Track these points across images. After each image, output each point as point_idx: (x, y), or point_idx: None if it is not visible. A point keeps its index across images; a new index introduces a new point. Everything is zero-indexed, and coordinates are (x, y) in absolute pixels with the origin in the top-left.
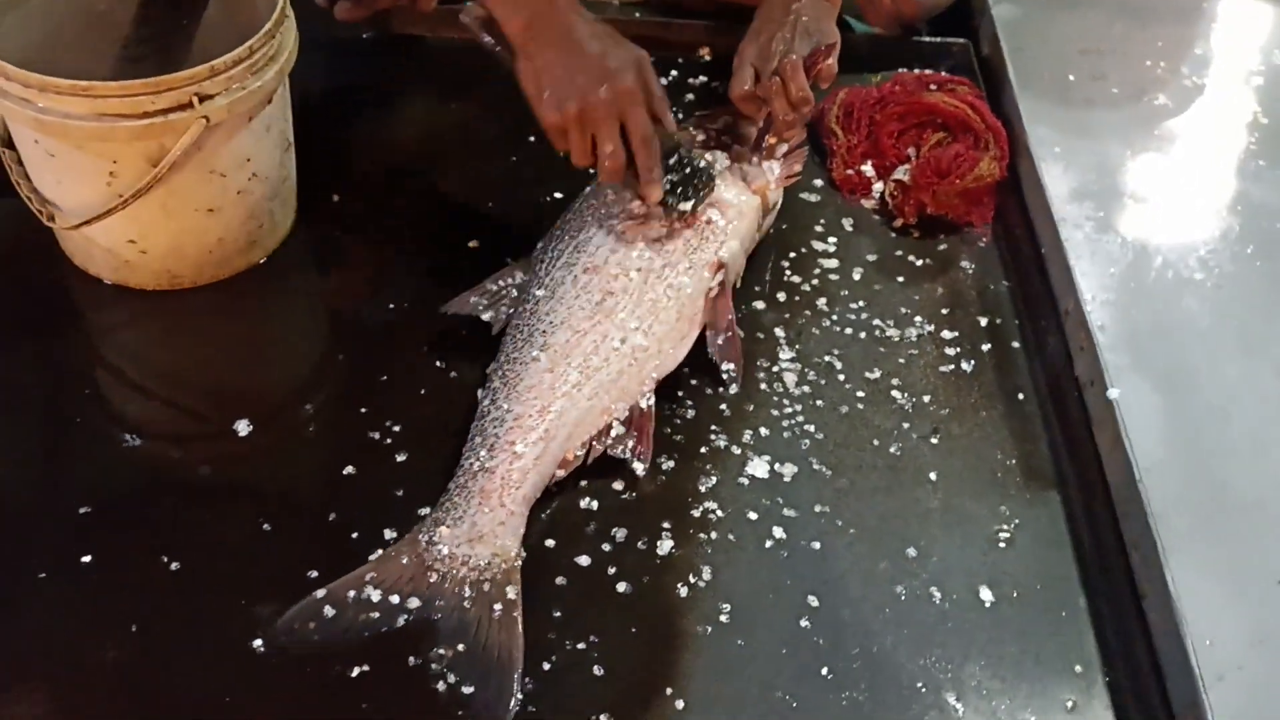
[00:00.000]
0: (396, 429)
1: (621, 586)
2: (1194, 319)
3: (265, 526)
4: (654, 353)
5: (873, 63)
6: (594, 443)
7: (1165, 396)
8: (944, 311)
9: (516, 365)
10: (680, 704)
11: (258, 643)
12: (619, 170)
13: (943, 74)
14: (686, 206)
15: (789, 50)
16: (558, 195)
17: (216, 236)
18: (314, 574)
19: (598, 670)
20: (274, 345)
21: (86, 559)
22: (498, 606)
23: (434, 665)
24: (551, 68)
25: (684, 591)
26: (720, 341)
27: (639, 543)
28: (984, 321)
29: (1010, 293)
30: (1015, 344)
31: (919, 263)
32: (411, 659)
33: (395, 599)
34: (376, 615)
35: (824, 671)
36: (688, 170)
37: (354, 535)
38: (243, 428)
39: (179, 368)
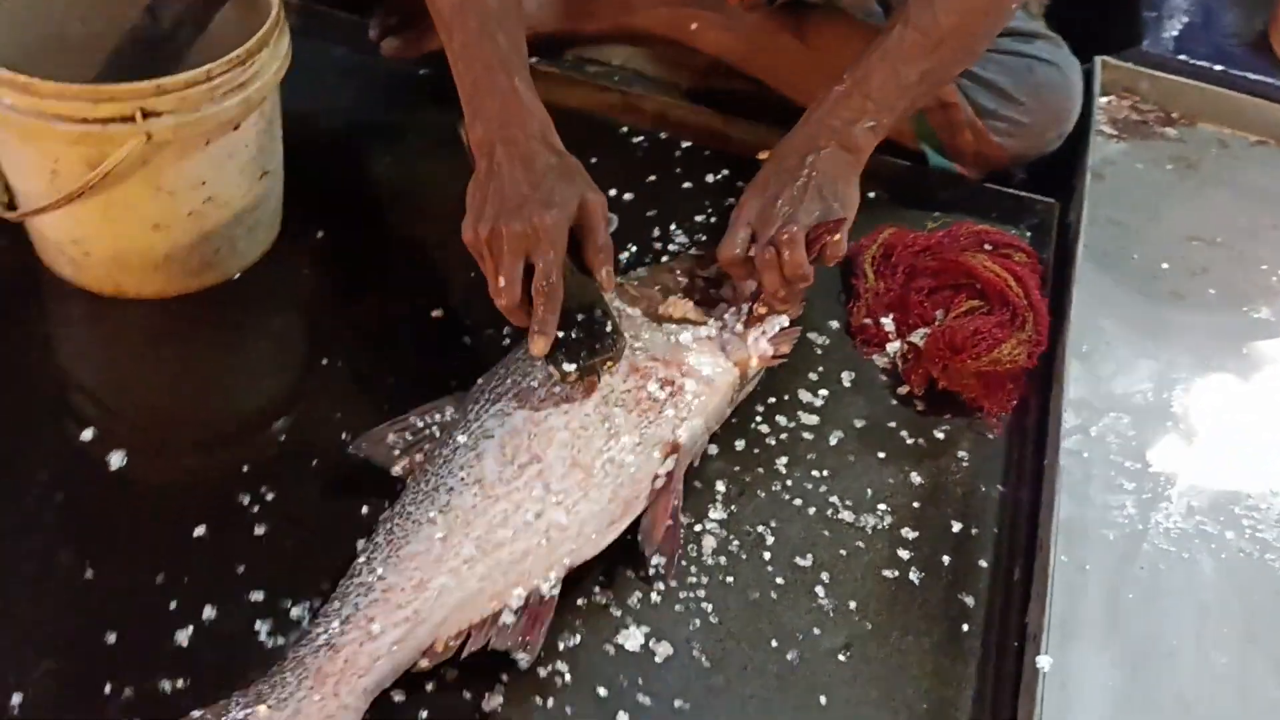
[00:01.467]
0: (269, 498)
1: None
2: (1180, 603)
3: (88, 574)
4: (573, 535)
5: (941, 203)
6: (474, 631)
7: (1117, 680)
8: (915, 505)
9: (407, 524)
10: None
11: None
12: (510, 309)
13: (1007, 234)
14: (570, 368)
15: (793, 217)
16: None
17: (163, 253)
18: (111, 638)
19: None
20: (197, 373)
21: None
22: None
23: None
24: (483, 183)
25: None
26: (658, 535)
27: (465, 691)
28: (957, 528)
29: (1000, 502)
30: (983, 563)
31: (910, 440)
32: None
33: None
34: None
35: None
36: (594, 331)
37: (171, 605)
38: (115, 460)
39: (90, 375)
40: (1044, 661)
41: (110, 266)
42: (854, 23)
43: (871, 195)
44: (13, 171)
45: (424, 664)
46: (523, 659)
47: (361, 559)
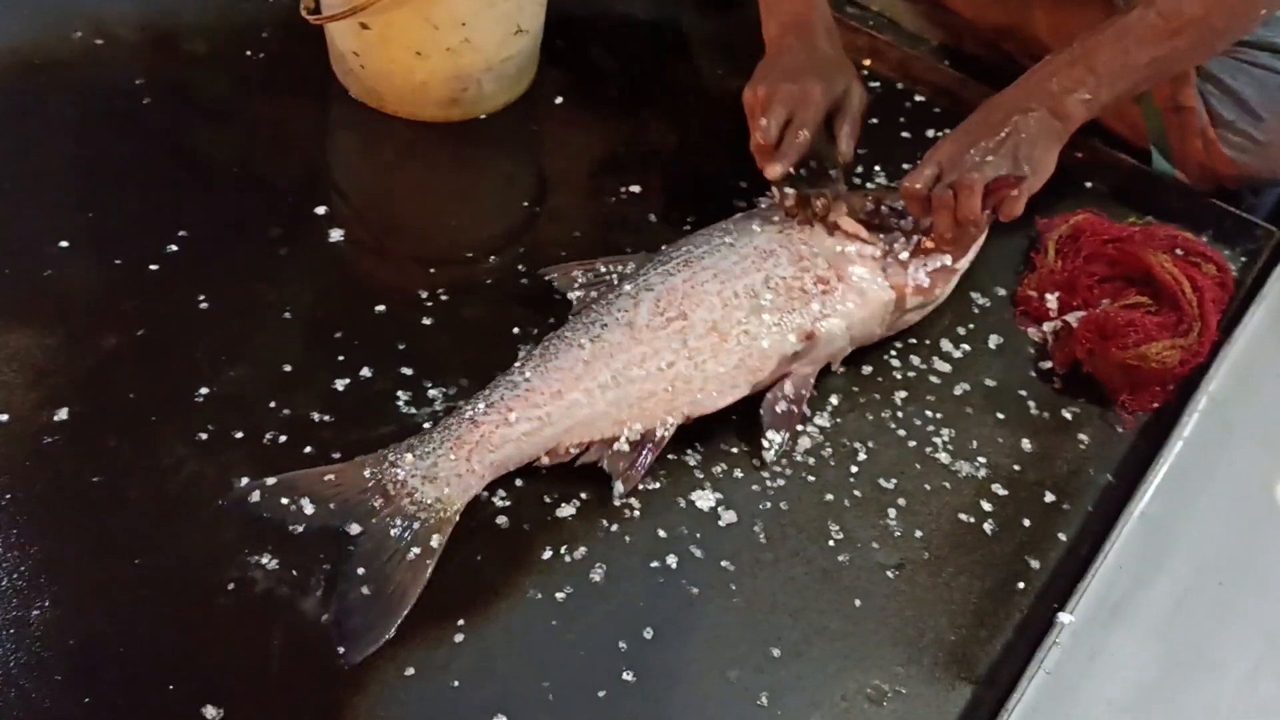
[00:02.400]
0: (443, 298)
1: (501, 520)
2: (1249, 626)
3: (285, 314)
4: (696, 388)
5: (1157, 207)
6: (593, 446)
7: (1150, 674)
8: (1015, 468)
9: (560, 343)
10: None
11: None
12: (762, 149)
13: (1206, 245)
14: (791, 190)
15: (980, 165)
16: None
17: (420, 79)
18: (287, 368)
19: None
20: (423, 188)
21: None
22: (416, 549)
23: (336, 580)
24: (773, 60)
25: (548, 554)
26: (779, 409)
27: (545, 497)
28: (1049, 499)
29: (1104, 489)
30: (1062, 536)
31: (1035, 411)
32: (324, 563)
33: (334, 506)
34: (312, 513)
35: None
36: (822, 174)
37: (340, 357)
38: (335, 235)
39: (338, 165)
40: (1065, 618)
41: (378, 81)
42: (1112, 8)
43: (1089, 185)
44: None
45: (545, 460)
46: (619, 489)
47: (517, 363)
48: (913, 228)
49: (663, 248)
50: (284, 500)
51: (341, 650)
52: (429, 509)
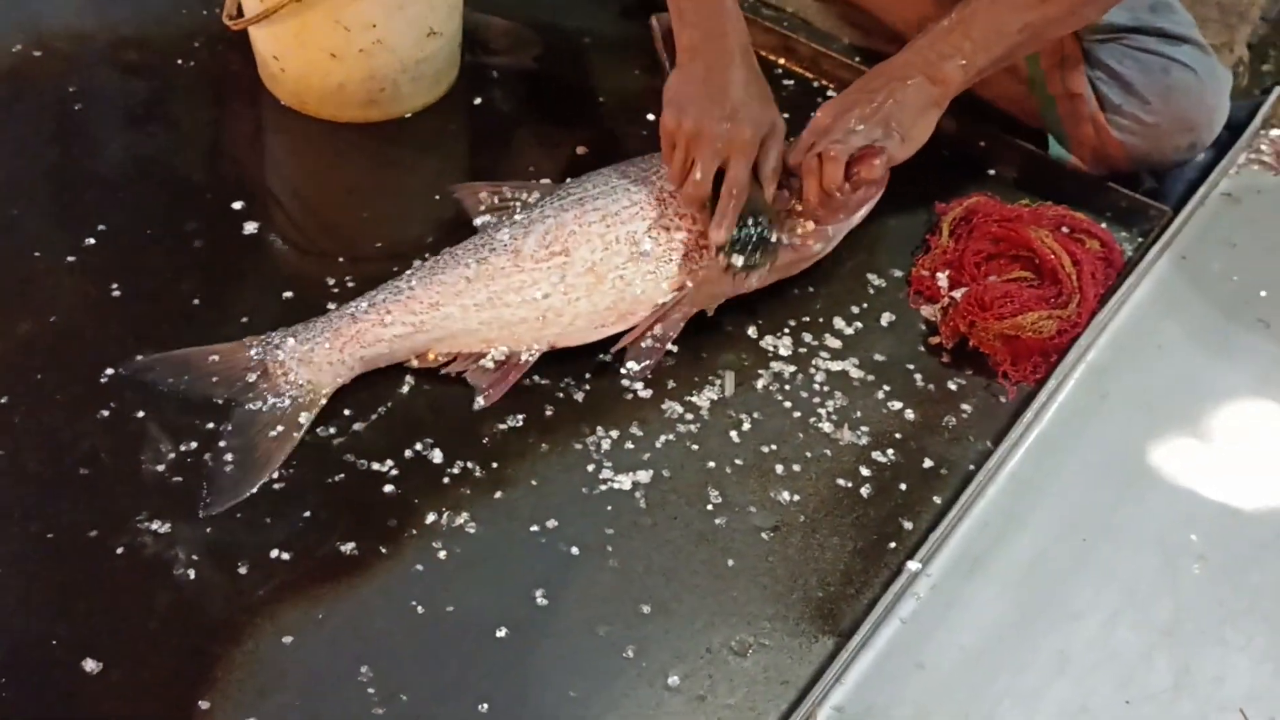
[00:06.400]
0: (350, 285)
1: (389, 489)
2: (1111, 581)
3: (195, 301)
4: (564, 322)
5: (1056, 192)
6: (459, 358)
7: (1008, 621)
8: (896, 436)
9: (449, 259)
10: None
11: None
12: (697, 201)
13: (1093, 223)
14: (737, 262)
15: (848, 135)
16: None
17: (337, 81)
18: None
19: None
20: (339, 184)
21: None
22: (281, 426)
23: (212, 440)
24: (693, 83)
25: (431, 518)
26: (644, 344)
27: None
28: (928, 464)
29: (983, 454)
30: (936, 499)
31: (920, 384)
32: (200, 425)
33: (216, 379)
34: (197, 385)
35: None
36: (757, 236)
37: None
38: (249, 228)
39: (256, 163)
40: (914, 565)
41: (298, 84)
42: None
43: (991, 172)
44: None
45: (414, 363)
46: (480, 402)
47: (408, 270)
48: (798, 187)
49: (567, 180)
50: (172, 373)
51: (206, 500)
52: (301, 389)
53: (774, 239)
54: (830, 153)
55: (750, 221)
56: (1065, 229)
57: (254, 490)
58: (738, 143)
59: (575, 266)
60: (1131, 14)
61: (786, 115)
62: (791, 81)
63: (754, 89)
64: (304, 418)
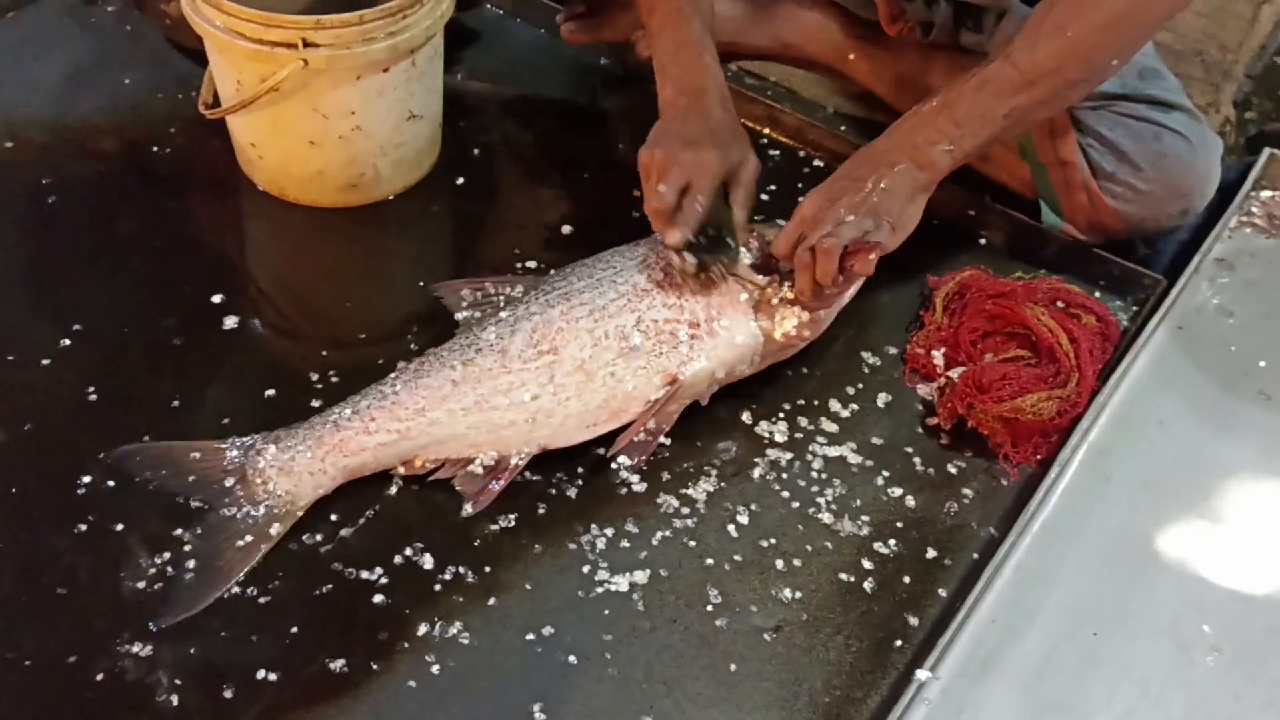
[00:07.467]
0: (334, 380)
1: (378, 599)
2: (1123, 678)
3: (175, 402)
4: (555, 424)
5: (1049, 261)
6: (447, 464)
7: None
8: (898, 525)
9: (434, 362)
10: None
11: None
12: (660, 215)
13: (1089, 296)
14: (692, 260)
15: (840, 228)
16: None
17: (316, 168)
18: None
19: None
20: (321, 271)
21: None
22: (250, 536)
23: (178, 545)
24: (669, 124)
25: (423, 629)
26: (637, 439)
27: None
28: (931, 554)
29: (988, 543)
30: (942, 592)
31: (920, 468)
32: (179, 535)
33: (193, 479)
34: (173, 481)
35: None
36: (719, 241)
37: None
38: (229, 322)
39: (237, 252)
40: (923, 674)
41: (276, 171)
42: None
43: (982, 241)
44: (217, 79)
45: (401, 470)
46: (468, 509)
47: (392, 375)
48: (789, 273)
49: (551, 272)
50: (151, 466)
51: (160, 611)
52: (279, 499)
53: (732, 244)
54: (824, 246)
55: (711, 232)
56: (1060, 304)
57: (209, 603)
58: (704, 164)
59: (564, 365)
60: (1121, 81)
61: (773, 187)
62: (777, 152)
63: (726, 127)
64: (276, 529)
